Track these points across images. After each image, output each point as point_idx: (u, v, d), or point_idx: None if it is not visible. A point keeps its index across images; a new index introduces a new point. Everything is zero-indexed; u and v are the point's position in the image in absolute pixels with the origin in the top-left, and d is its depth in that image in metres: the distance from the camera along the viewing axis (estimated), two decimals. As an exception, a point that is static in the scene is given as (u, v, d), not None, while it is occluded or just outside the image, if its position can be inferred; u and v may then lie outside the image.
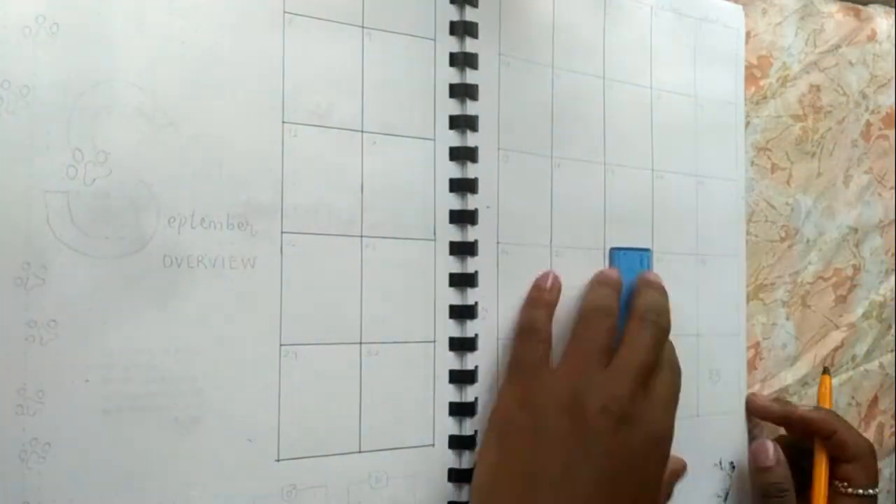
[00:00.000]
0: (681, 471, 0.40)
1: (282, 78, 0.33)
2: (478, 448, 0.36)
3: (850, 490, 0.43)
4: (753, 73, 0.49)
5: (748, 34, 0.49)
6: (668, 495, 0.39)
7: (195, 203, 0.31)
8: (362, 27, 0.35)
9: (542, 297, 0.37)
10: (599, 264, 0.41)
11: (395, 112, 0.35)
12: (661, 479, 0.36)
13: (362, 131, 0.35)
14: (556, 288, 0.38)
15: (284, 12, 0.33)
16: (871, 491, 0.44)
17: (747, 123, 0.49)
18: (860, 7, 0.55)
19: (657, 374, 0.36)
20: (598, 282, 0.39)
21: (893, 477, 0.55)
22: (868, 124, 0.55)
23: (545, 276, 0.38)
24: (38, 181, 0.28)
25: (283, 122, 0.33)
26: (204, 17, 0.31)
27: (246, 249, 0.32)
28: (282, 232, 0.33)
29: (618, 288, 0.39)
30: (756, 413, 0.47)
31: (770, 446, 0.44)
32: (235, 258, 0.32)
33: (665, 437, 0.36)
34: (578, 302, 0.39)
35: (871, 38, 0.55)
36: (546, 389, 0.34)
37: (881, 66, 0.55)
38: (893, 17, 0.56)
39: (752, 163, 0.49)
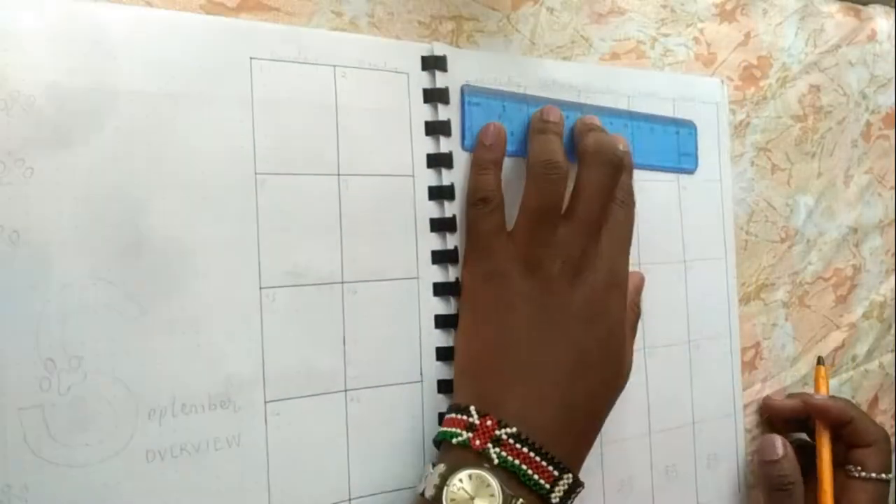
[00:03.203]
0: (640, 284, 0.40)
1: (257, 243, 0.32)
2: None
3: (863, 474, 0.44)
4: (753, 74, 0.49)
5: (748, 34, 0.49)
6: (637, 311, 0.39)
7: (174, 391, 0.30)
8: (338, 175, 0.34)
9: (486, 157, 0.36)
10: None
11: (377, 258, 0.35)
12: (625, 308, 0.37)
13: (342, 282, 0.34)
14: (501, 140, 0.36)
15: (256, 174, 0.32)
16: (884, 475, 0.44)
17: (747, 124, 0.49)
18: (860, 7, 0.55)
19: (609, 215, 0.36)
20: (539, 129, 0.37)
21: (894, 476, 0.55)
22: (868, 124, 0.55)
23: (486, 129, 0.36)
24: (11, 399, 0.27)
25: (261, 289, 0.32)
26: (173, 196, 0.30)
27: (229, 428, 0.31)
28: (265, 402, 0.32)
29: (560, 130, 0.37)
30: (772, 412, 0.48)
31: (777, 440, 0.44)
32: (220, 439, 0.31)
33: (620, 274, 0.37)
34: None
35: (871, 38, 0.55)
36: (505, 258, 0.35)
37: (881, 66, 0.55)
38: (893, 17, 0.56)
39: (752, 163, 0.49)
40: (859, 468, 0.44)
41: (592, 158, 0.36)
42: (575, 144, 0.38)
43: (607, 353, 0.35)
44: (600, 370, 0.35)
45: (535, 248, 0.35)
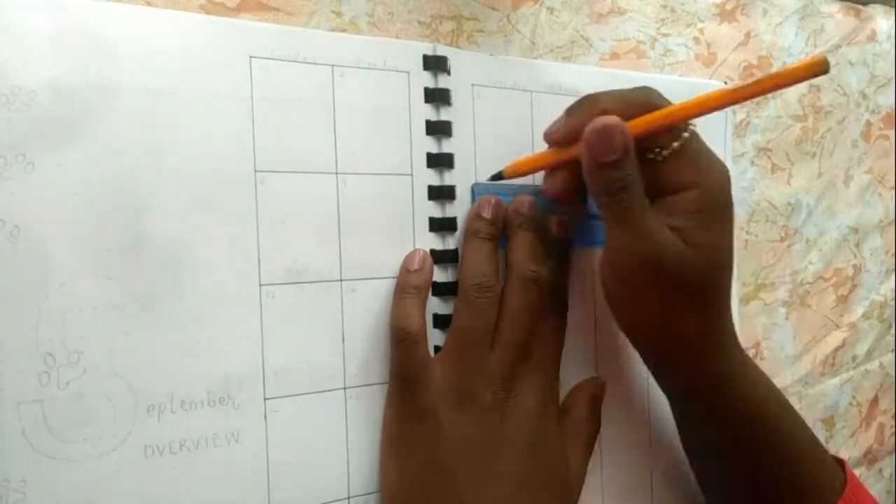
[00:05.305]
0: (599, 392, 0.38)
1: (256, 241, 0.32)
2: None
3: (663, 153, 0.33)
4: (753, 74, 0.50)
5: (748, 34, 0.49)
6: (595, 423, 0.38)
7: (173, 386, 0.30)
8: (336, 173, 0.34)
9: (409, 282, 0.34)
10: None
11: (375, 256, 0.35)
12: (560, 423, 0.36)
13: (341, 280, 0.34)
14: (427, 267, 0.35)
15: (255, 172, 0.32)
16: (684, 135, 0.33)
17: (748, 124, 0.49)
18: (860, 7, 0.55)
19: (539, 329, 0.35)
20: (473, 231, 0.35)
21: (893, 477, 0.55)
22: (868, 124, 0.55)
23: (411, 255, 0.35)
24: (11, 394, 0.27)
25: (261, 286, 0.32)
26: (173, 193, 0.31)
27: (229, 424, 0.31)
28: (264, 399, 0.32)
29: (494, 231, 0.35)
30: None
31: (615, 127, 0.31)
32: (219, 435, 0.31)
33: (554, 388, 0.36)
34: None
35: (871, 38, 0.55)
36: (434, 393, 0.33)
37: (881, 66, 0.55)
38: (893, 17, 0.56)
39: (752, 163, 0.49)
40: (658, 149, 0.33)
41: (519, 274, 0.35)
42: (507, 246, 0.36)
43: (547, 480, 0.34)
44: (542, 497, 0.33)
45: (466, 377, 0.33)
